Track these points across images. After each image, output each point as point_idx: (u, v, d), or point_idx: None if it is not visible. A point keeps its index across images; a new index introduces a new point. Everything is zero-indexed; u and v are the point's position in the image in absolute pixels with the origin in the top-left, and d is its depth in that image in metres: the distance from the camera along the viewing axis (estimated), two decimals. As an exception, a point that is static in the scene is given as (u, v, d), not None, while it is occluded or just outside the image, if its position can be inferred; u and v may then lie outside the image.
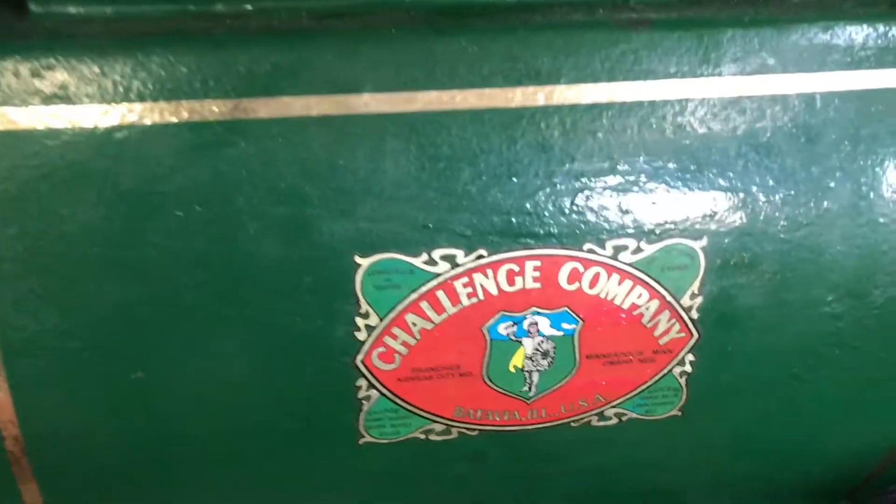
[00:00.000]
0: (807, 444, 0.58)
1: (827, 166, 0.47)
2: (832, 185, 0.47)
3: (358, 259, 0.43)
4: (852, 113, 0.47)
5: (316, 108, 0.42)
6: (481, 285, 0.45)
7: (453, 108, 0.43)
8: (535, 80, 0.43)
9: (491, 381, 0.48)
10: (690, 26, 0.44)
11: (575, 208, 0.45)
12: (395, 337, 0.45)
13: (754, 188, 0.46)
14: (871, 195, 0.47)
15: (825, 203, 0.47)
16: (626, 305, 0.47)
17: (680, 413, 0.51)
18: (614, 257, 0.45)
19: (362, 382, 0.46)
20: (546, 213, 0.44)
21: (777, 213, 0.47)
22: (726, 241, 0.46)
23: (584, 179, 0.45)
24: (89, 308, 0.42)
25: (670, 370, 0.49)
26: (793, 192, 0.46)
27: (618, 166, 0.45)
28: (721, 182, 0.46)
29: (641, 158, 0.45)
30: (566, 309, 0.46)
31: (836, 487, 0.66)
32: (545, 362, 0.47)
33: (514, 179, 0.44)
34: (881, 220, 0.48)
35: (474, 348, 0.46)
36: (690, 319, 0.48)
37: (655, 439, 0.53)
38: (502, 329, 0.46)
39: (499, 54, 0.43)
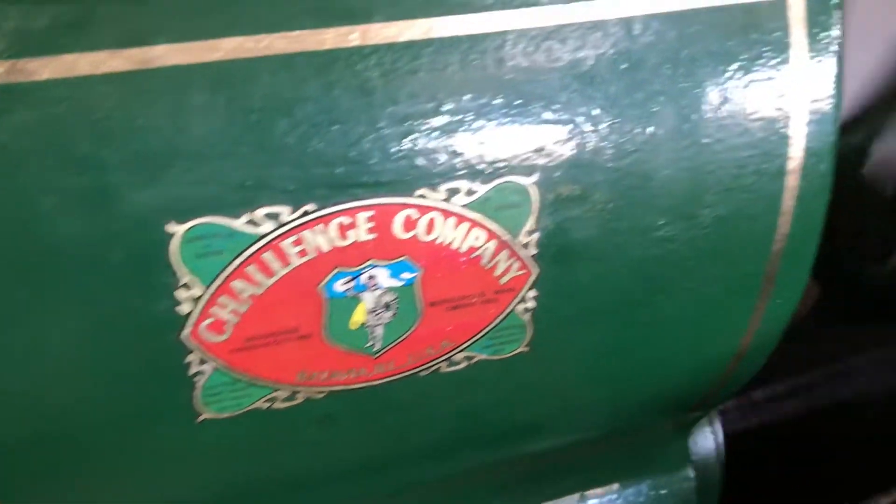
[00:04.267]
0: (652, 363, 0.61)
1: (650, 91, 0.48)
2: (656, 109, 0.49)
3: (172, 227, 0.41)
4: (671, 35, 0.48)
5: (106, 64, 0.39)
6: (312, 242, 0.44)
7: (261, 54, 0.41)
8: (348, 19, 0.42)
9: (333, 340, 0.47)
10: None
11: (403, 153, 0.44)
12: (223, 306, 0.44)
13: (580, 119, 0.47)
14: (694, 117, 0.50)
15: (650, 129, 0.49)
16: (464, 249, 0.47)
17: (528, 349, 0.53)
18: (448, 201, 0.46)
19: (192, 358, 0.45)
20: (373, 161, 0.44)
21: (604, 143, 0.48)
22: (557, 174, 0.47)
23: (409, 122, 0.44)
24: None
25: (514, 308, 0.51)
26: (618, 120, 0.48)
27: (443, 106, 0.45)
28: (547, 115, 0.47)
29: (466, 96, 0.45)
30: (405, 258, 0.46)
31: (687, 399, 0.70)
32: (388, 315, 0.48)
33: (336, 127, 0.43)
34: (704, 140, 0.50)
35: (311, 309, 0.46)
36: (529, 256, 0.49)
37: (506, 377, 0.55)
38: (339, 286, 0.46)
39: (305, -7, 0.42)
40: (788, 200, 0.54)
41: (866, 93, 1.34)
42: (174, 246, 0.41)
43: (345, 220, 0.44)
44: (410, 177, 0.45)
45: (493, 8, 0.45)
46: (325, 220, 0.44)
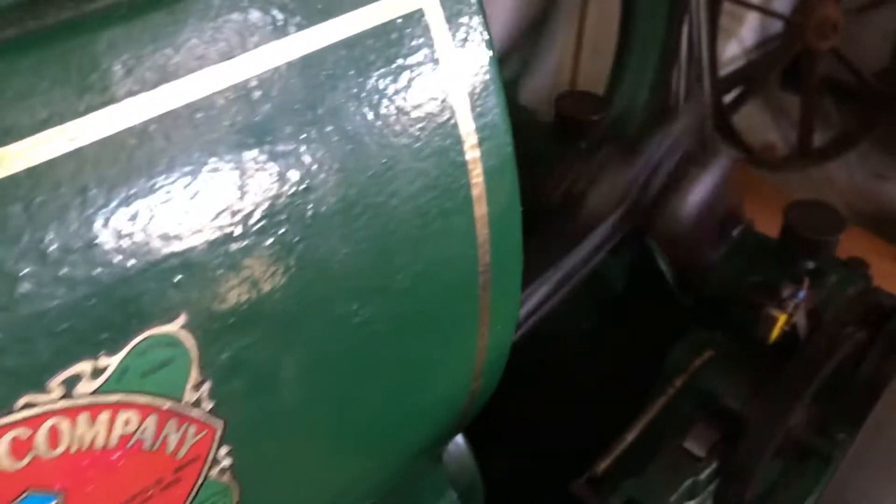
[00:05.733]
0: (394, 434, 0.54)
1: (297, 164, 0.39)
2: (311, 183, 0.39)
3: None
4: (300, 89, 0.39)
5: None
6: None
7: None
8: None
9: None
10: (42, 45, 0.31)
11: (-22, 359, 0.31)
12: None
13: (220, 221, 0.36)
14: (358, 178, 0.41)
15: (311, 208, 0.39)
16: (114, 443, 0.35)
17: (241, 506, 0.43)
18: (69, 395, 0.33)
19: None
20: (-68, 388, 0.30)
21: (261, 241, 0.38)
22: (210, 304, 0.36)
23: (-28, 313, 0.31)
24: None
25: (206, 476, 0.40)
26: (267, 213, 0.38)
27: (20, 273, 0.32)
28: (173, 232, 0.35)
29: (50, 248, 0.32)
30: (30, 492, 0.33)
31: (438, 440, 0.65)
32: (32, 567, 0.34)
33: None
34: (376, 199, 0.42)
35: None
36: (206, 412, 0.38)
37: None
38: (-58, 570, 0.32)
39: None
40: (482, 230, 0.47)
41: (511, 24, 1.35)
42: None
43: (-85, 484, 0.30)
44: (2, 384, 0.31)
45: (49, 124, 0.32)
46: None
